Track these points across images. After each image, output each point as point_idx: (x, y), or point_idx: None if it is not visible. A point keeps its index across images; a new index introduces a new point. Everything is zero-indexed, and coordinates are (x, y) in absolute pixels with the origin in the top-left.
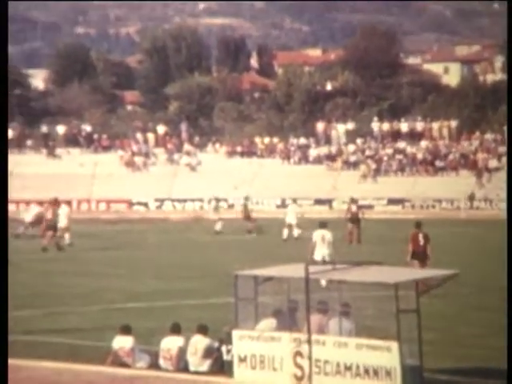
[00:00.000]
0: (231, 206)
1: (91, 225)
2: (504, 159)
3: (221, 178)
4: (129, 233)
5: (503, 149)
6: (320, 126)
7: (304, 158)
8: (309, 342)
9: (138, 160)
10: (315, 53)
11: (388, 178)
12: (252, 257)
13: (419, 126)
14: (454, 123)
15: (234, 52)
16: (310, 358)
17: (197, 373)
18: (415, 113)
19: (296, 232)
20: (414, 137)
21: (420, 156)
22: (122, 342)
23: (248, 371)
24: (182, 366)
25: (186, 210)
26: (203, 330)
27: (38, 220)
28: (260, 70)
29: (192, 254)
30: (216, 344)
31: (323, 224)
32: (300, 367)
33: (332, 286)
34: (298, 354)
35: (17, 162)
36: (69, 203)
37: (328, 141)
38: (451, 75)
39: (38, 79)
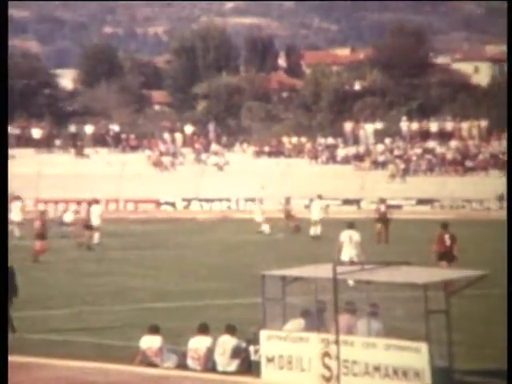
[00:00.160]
0: None
1: (119, 224)
2: None
3: (248, 178)
4: (156, 233)
5: None
6: (348, 126)
7: (332, 158)
8: (337, 342)
9: (166, 160)
10: (343, 52)
11: (417, 178)
12: (280, 256)
13: (449, 125)
14: (483, 123)
15: (262, 52)
16: (338, 358)
17: (224, 373)
18: (444, 112)
19: (318, 229)
20: (443, 137)
21: (449, 156)
22: (150, 342)
23: (276, 371)
24: (209, 366)
25: (213, 209)
26: (231, 330)
27: (77, 220)
28: (288, 70)
29: (220, 254)
30: (244, 344)
31: (351, 224)
32: (328, 368)
33: (360, 287)
34: (326, 354)
35: (45, 161)
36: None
37: (356, 141)
38: (481, 75)
39: (67, 79)
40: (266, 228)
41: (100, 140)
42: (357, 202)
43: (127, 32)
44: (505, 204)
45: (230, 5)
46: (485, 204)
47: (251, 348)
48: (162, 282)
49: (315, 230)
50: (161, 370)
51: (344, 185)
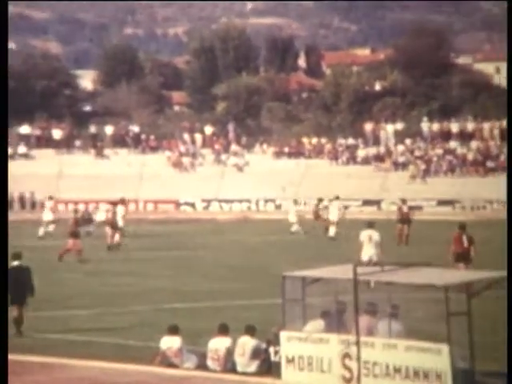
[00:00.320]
0: (278, 207)
1: (139, 225)
2: None
3: (268, 179)
4: (176, 233)
5: None
6: (368, 127)
7: (352, 159)
8: (357, 343)
9: (186, 160)
10: (364, 52)
11: (438, 178)
12: (300, 257)
13: (470, 126)
14: (505, 123)
15: (282, 52)
16: (358, 359)
17: (244, 374)
18: (466, 113)
19: (333, 230)
20: (464, 137)
21: (470, 157)
22: (170, 343)
23: (296, 373)
24: (229, 366)
25: (232, 210)
26: (251, 330)
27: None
28: (308, 70)
29: (239, 255)
30: (264, 345)
31: (371, 224)
32: (348, 369)
33: (380, 288)
34: (347, 355)
35: (65, 162)
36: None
37: (376, 141)
38: (502, 75)
39: (87, 80)
40: (298, 228)
41: (120, 141)
42: (377, 202)
43: (147, 33)
44: (505, 205)
45: (250, 5)
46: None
47: (271, 349)
48: (181, 282)
49: (333, 231)
50: (181, 370)
51: (364, 185)
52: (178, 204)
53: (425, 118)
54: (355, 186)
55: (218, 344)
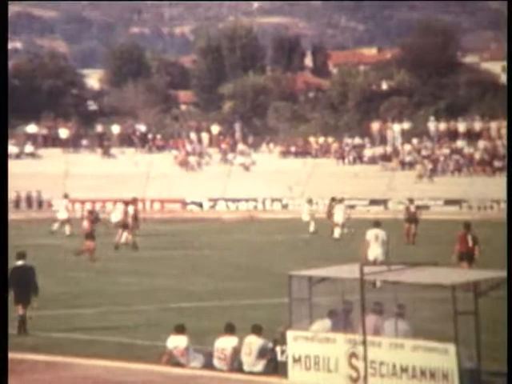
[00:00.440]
0: (285, 206)
1: (145, 224)
2: None
3: (275, 178)
4: (182, 232)
5: None
6: (375, 126)
7: (359, 158)
8: (364, 343)
9: (192, 160)
10: (370, 52)
11: (445, 178)
12: (306, 256)
13: (477, 125)
14: None
15: (289, 51)
16: (365, 359)
17: (251, 373)
18: (473, 112)
19: (339, 231)
20: (471, 137)
21: (477, 156)
22: (177, 342)
23: (302, 372)
24: (236, 366)
25: (239, 209)
26: (257, 330)
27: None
28: (314, 70)
29: (246, 254)
30: (270, 344)
31: (377, 223)
32: (355, 368)
33: (387, 287)
34: (353, 355)
35: (72, 161)
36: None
37: (383, 141)
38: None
39: (94, 79)
40: (312, 227)
41: (126, 140)
42: (384, 202)
43: (154, 32)
44: (504, 205)
45: (256, 4)
46: None
47: (278, 348)
48: (188, 281)
49: (339, 232)
50: (187, 369)
51: (371, 185)
52: (184, 203)
53: (432, 118)
54: (362, 185)
55: (224, 343)
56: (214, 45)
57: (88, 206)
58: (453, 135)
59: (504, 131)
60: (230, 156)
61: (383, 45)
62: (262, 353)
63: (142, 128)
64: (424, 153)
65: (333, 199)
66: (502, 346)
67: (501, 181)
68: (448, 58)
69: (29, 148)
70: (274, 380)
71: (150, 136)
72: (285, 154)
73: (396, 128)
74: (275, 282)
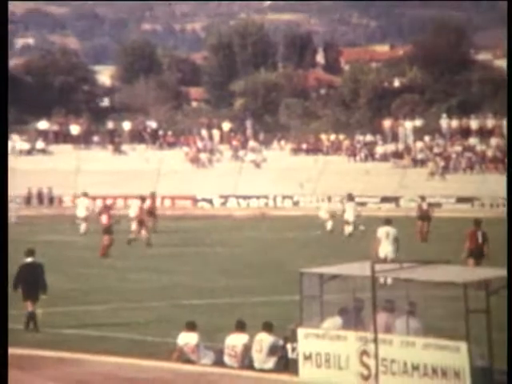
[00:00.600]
0: (296, 204)
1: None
2: None
3: (286, 175)
4: (193, 229)
5: None
6: (387, 123)
7: (370, 155)
8: (375, 340)
9: (203, 156)
10: (383, 49)
11: (457, 175)
12: (317, 254)
13: (489, 123)
14: None
15: (300, 48)
16: (376, 357)
17: (262, 370)
18: (485, 109)
19: (349, 229)
20: (483, 134)
21: (490, 153)
22: (187, 339)
23: (313, 369)
24: (246, 363)
25: (250, 206)
26: (268, 327)
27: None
28: (326, 67)
29: (257, 251)
30: (281, 342)
31: (388, 221)
32: (366, 366)
33: (398, 285)
34: (364, 352)
35: (83, 158)
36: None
37: (395, 138)
38: None
39: (105, 75)
40: (329, 225)
41: (137, 136)
42: (395, 199)
43: (165, 28)
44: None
45: (268, 2)
46: None
47: (288, 346)
48: (198, 278)
49: (349, 230)
50: (198, 366)
51: (382, 182)
52: (195, 200)
53: (444, 115)
54: (373, 182)
55: (235, 340)
56: (226, 41)
57: (98, 203)
58: (465, 132)
59: None
60: (241, 153)
61: (395, 42)
62: (273, 350)
63: (153, 124)
64: (436, 150)
65: (349, 196)
66: None
67: None
68: (461, 55)
69: (40, 144)
70: (285, 377)
71: (160, 132)
72: (296, 151)
73: (408, 125)
74: (286, 280)
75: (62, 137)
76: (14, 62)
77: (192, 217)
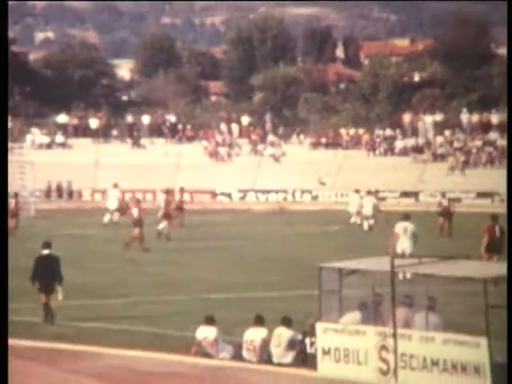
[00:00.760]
0: (315, 198)
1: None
2: None
3: (305, 170)
4: (212, 223)
5: None
6: (407, 118)
7: (390, 150)
8: (394, 335)
9: (222, 151)
10: (403, 43)
11: (477, 170)
12: (336, 248)
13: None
14: None
15: (320, 42)
16: (395, 352)
17: (280, 365)
18: (506, 104)
19: (368, 224)
20: (504, 128)
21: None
22: (206, 333)
23: (332, 364)
24: (265, 357)
25: (269, 201)
26: (287, 322)
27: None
28: (346, 61)
29: (276, 245)
30: (300, 336)
31: (406, 216)
32: (385, 361)
33: (418, 280)
34: (383, 347)
35: (102, 151)
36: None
37: (415, 132)
38: None
39: (124, 69)
40: (357, 219)
41: (156, 130)
42: (415, 194)
43: (185, 22)
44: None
45: None
46: None
47: (307, 340)
48: (217, 272)
49: (368, 224)
50: (216, 360)
51: (402, 177)
52: (214, 194)
53: (464, 109)
54: (393, 177)
55: (253, 335)
56: (245, 35)
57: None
58: (486, 127)
59: None
60: (260, 147)
61: (416, 36)
62: (292, 345)
63: (172, 118)
64: (456, 145)
65: (375, 192)
66: None
67: None
68: (481, 50)
69: (59, 138)
70: (303, 372)
71: (180, 126)
72: (315, 145)
73: (428, 120)
74: (305, 274)
75: (82, 130)
76: (33, 56)
77: (211, 211)
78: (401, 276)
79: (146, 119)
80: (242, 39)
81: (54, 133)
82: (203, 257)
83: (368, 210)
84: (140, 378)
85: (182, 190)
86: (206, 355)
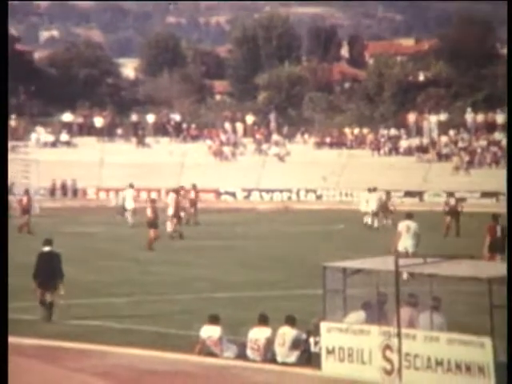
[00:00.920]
0: (319, 197)
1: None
2: None
3: (309, 169)
4: (216, 222)
5: None
6: (411, 117)
7: (394, 150)
8: (398, 335)
9: (227, 150)
10: (408, 42)
11: (482, 170)
12: (340, 247)
13: None
14: None
15: (325, 42)
16: (399, 351)
17: (284, 364)
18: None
19: (370, 220)
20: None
21: None
22: (210, 332)
23: (336, 364)
24: (269, 356)
25: (273, 200)
26: (291, 321)
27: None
28: (351, 60)
29: (280, 245)
30: (304, 335)
31: (409, 215)
32: (389, 361)
33: (422, 280)
34: (388, 347)
35: (107, 150)
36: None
37: (419, 132)
38: None
39: (129, 68)
40: (369, 220)
41: (161, 129)
42: (419, 194)
43: (190, 21)
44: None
45: None
46: None
47: (311, 339)
48: (222, 272)
49: (373, 222)
50: (220, 359)
51: (406, 176)
52: (218, 193)
53: (469, 109)
54: (397, 176)
55: (258, 334)
56: (250, 35)
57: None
58: (490, 127)
59: None
60: (264, 146)
61: (421, 35)
62: (296, 344)
63: (176, 117)
64: (461, 144)
65: (387, 192)
66: None
67: None
68: (486, 49)
69: (64, 136)
70: (308, 371)
71: (184, 125)
72: (320, 144)
73: (433, 119)
74: (309, 273)
75: (86, 129)
76: (38, 55)
77: (215, 210)
78: (405, 276)
79: (150, 118)
80: (247, 38)
81: (59, 131)
82: (207, 256)
83: (372, 207)
84: (144, 377)
85: (194, 187)
86: (211, 354)
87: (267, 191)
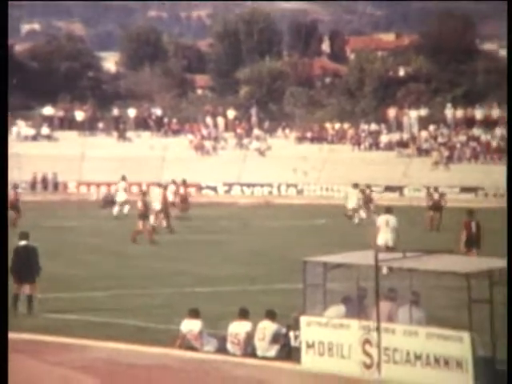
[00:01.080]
0: (300, 192)
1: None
2: None
3: (290, 164)
4: (197, 217)
5: None
6: (392, 112)
7: (375, 145)
8: (378, 329)
9: (208, 144)
10: (388, 37)
11: (461, 165)
12: (320, 242)
13: (494, 113)
14: None
15: (306, 37)
16: (378, 346)
17: (264, 358)
18: (490, 99)
19: (358, 216)
20: (488, 124)
21: (494, 144)
22: (191, 326)
23: (316, 358)
24: (249, 350)
25: (254, 194)
26: (271, 315)
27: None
28: (331, 55)
29: (260, 239)
30: (284, 330)
31: (388, 209)
32: (369, 355)
33: (402, 274)
34: (367, 341)
35: (88, 144)
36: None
37: (400, 127)
38: None
39: (110, 62)
40: (361, 215)
41: (142, 123)
42: (399, 188)
43: (171, 15)
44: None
45: None
46: None
47: (291, 334)
48: (202, 266)
49: (356, 217)
50: (201, 353)
51: (387, 171)
52: (199, 187)
53: (449, 105)
54: (378, 171)
55: (238, 328)
56: (231, 29)
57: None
58: (470, 122)
59: None
60: (245, 141)
61: (401, 30)
62: (276, 338)
63: (157, 112)
64: (441, 140)
65: (368, 186)
66: None
67: None
68: (466, 45)
69: (45, 130)
70: (287, 365)
71: (165, 120)
72: (301, 139)
73: (413, 114)
74: (290, 268)
75: (67, 123)
76: (19, 48)
77: (196, 204)
78: (385, 270)
79: (131, 112)
80: (228, 33)
81: (40, 125)
82: (188, 250)
83: (352, 203)
84: (125, 371)
85: (184, 183)
86: (191, 348)
87: (248, 185)
